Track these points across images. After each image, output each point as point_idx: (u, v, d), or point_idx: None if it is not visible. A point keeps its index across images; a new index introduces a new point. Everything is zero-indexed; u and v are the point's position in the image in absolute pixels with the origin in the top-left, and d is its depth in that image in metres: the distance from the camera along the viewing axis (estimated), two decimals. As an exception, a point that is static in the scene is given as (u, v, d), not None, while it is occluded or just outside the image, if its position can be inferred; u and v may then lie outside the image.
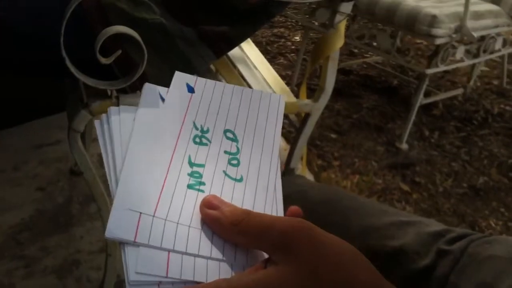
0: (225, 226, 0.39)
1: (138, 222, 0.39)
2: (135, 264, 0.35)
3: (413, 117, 2.28)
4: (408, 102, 2.49)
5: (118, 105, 0.95)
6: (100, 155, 1.59)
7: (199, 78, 0.52)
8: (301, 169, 1.52)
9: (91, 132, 1.68)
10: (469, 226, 1.91)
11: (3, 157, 1.71)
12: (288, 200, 0.45)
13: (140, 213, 0.39)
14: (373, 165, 2.18)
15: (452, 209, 2.00)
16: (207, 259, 0.38)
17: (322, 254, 0.35)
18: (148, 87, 0.50)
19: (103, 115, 0.44)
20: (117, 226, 0.38)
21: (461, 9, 2.05)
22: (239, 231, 0.38)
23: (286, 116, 1.30)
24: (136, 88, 0.95)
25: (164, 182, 0.41)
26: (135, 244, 0.37)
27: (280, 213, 0.45)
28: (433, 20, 2.02)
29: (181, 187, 0.42)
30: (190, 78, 0.51)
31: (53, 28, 0.81)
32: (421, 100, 2.29)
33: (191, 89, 0.50)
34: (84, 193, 1.62)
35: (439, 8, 2.11)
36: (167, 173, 0.42)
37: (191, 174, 0.43)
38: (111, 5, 0.91)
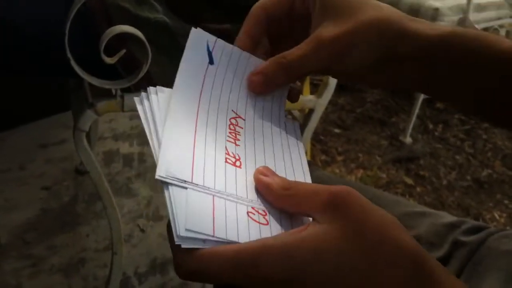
0: (275, 191, 0.40)
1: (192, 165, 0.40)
2: (184, 221, 0.36)
3: (416, 111, 2.28)
4: (411, 96, 2.49)
5: (123, 104, 0.96)
6: (105, 154, 1.60)
7: (218, 40, 0.53)
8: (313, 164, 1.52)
9: (96, 131, 1.68)
10: (474, 218, 1.91)
11: (8, 156, 1.72)
12: None
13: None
14: (377, 159, 2.18)
15: (456, 202, 2.00)
16: (248, 224, 0.39)
17: (368, 216, 0.35)
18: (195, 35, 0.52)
19: (142, 93, 0.46)
20: (171, 165, 0.39)
21: (463, 1, 2.05)
22: (289, 195, 0.39)
23: (289, 112, 1.30)
24: (140, 87, 0.95)
25: (194, 148, 0.42)
26: (188, 187, 0.38)
27: None
28: (436, 13, 2.02)
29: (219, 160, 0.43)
30: (210, 38, 0.53)
31: (58, 28, 0.81)
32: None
33: (210, 58, 0.52)
34: (90, 192, 1.63)
35: (442, 0, 2.10)
36: (196, 142, 0.43)
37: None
38: (114, 5, 0.91)
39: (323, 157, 2.14)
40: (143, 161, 1.80)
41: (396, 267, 0.34)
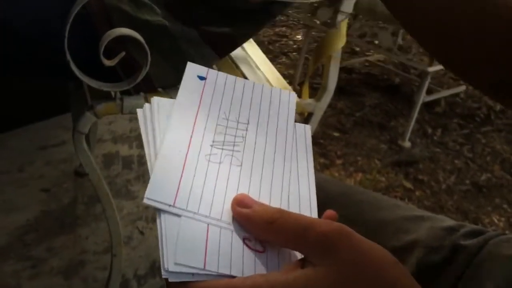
0: (258, 225, 0.38)
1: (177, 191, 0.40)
2: (174, 254, 0.36)
3: (415, 115, 2.28)
4: (410, 100, 2.49)
5: (122, 106, 0.97)
6: (104, 156, 1.60)
7: (210, 69, 0.52)
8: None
9: (95, 133, 1.68)
10: (472, 222, 1.91)
11: (8, 158, 1.72)
12: None
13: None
14: (376, 163, 2.19)
15: (455, 206, 2.00)
16: (242, 254, 0.38)
17: (362, 259, 0.35)
18: (189, 68, 0.51)
19: (146, 105, 0.46)
20: (157, 193, 0.39)
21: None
22: (274, 230, 0.37)
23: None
24: (140, 89, 0.95)
25: (183, 172, 0.42)
26: (182, 214, 0.38)
27: (314, 214, 0.44)
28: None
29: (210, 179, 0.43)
30: (202, 69, 0.52)
31: (57, 30, 0.81)
32: (423, 97, 2.29)
33: (202, 79, 0.51)
34: (89, 194, 1.63)
35: None
36: (184, 166, 0.43)
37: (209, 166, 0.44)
38: (114, 7, 0.92)
39: (322, 160, 2.15)
40: (143, 163, 1.80)
41: None
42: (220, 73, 0.53)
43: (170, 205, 0.39)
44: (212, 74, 0.52)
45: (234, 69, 1.28)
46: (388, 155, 2.25)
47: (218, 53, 1.02)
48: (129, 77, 0.91)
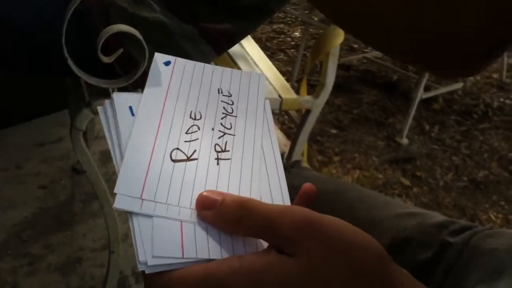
0: (225, 225, 0.39)
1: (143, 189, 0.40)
2: (150, 247, 0.36)
3: (413, 112, 2.28)
4: (408, 97, 2.49)
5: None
6: (102, 153, 1.60)
7: (177, 58, 0.52)
8: (302, 165, 1.52)
9: (93, 130, 1.68)
10: (470, 219, 1.91)
11: (5, 155, 1.72)
12: (296, 191, 0.45)
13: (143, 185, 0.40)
14: (374, 160, 2.19)
15: (452, 203, 2.01)
16: (219, 237, 0.38)
17: (332, 248, 0.35)
18: (156, 58, 0.52)
19: (106, 101, 0.47)
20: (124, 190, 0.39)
21: None
22: (241, 228, 0.38)
23: (286, 112, 1.30)
24: (138, 86, 0.95)
25: (149, 166, 0.41)
26: (146, 215, 0.38)
27: (286, 198, 0.44)
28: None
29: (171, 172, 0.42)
30: (169, 57, 0.52)
31: (55, 27, 0.81)
32: (421, 94, 2.29)
33: (168, 64, 0.52)
34: (86, 191, 1.63)
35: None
36: (151, 157, 0.42)
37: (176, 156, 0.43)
38: (112, 4, 0.91)
39: (320, 157, 2.15)
40: (140, 161, 1.80)
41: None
42: (188, 60, 0.52)
43: (138, 198, 0.38)
44: (179, 61, 0.52)
45: (232, 65, 1.28)
46: (386, 152, 2.25)
47: (216, 49, 1.01)
48: (127, 74, 0.91)
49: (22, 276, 1.36)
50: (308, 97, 1.20)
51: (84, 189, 1.64)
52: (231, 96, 0.51)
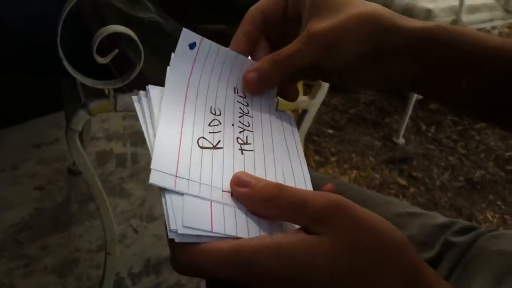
0: (258, 203, 0.39)
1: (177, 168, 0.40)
2: (181, 218, 0.36)
3: (409, 112, 2.28)
4: (404, 97, 2.49)
5: (115, 104, 0.96)
6: (98, 154, 1.60)
7: (204, 39, 0.53)
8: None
9: (89, 131, 1.68)
10: (466, 219, 1.91)
11: (2, 156, 1.72)
12: None
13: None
14: (371, 160, 2.19)
15: (449, 203, 2.01)
16: (246, 218, 0.39)
17: (358, 228, 0.36)
18: (183, 36, 0.52)
19: (141, 92, 0.46)
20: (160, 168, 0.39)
21: (456, 3, 2.05)
22: (273, 207, 0.38)
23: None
24: (133, 87, 0.95)
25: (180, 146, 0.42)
26: (178, 192, 0.38)
27: (309, 188, 0.45)
28: (428, 14, 2.03)
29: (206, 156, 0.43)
30: (195, 37, 0.53)
31: (50, 27, 0.81)
32: (417, 94, 2.29)
33: (193, 47, 0.52)
34: (83, 192, 1.63)
35: (434, 2, 2.11)
36: (181, 141, 0.43)
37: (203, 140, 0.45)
38: (107, 4, 0.91)
39: (317, 157, 2.15)
40: (136, 161, 1.80)
41: (390, 276, 0.35)
42: (213, 44, 0.53)
43: (172, 175, 0.39)
44: (205, 44, 0.53)
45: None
46: (382, 152, 2.25)
47: (212, 50, 1.01)
48: (122, 75, 0.90)
49: (19, 278, 1.36)
50: (304, 98, 1.20)
51: (80, 190, 1.64)
52: (245, 97, 0.52)
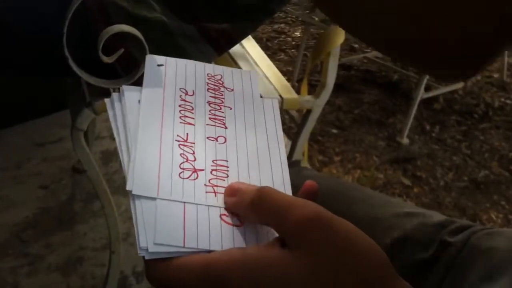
0: (242, 208, 0.40)
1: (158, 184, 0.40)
2: (153, 234, 0.36)
3: (413, 112, 2.28)
4: (408, 97, 2.49)
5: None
6: (103, 153, 1.60)
7: (168, 57, 0.54)
8: (303, 165, 1.52)
9: (94, 130, 1.68)
10: (470, 219, 1.91)
11: (6, 155, 1.72)
12: (295, 190, 0.45)
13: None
14: (375, 160, 2.19)
15: (453, 203, 2.01)
16: (220, 229, 0.39)
17: (337, 247, 0.35)
18: (148, 60, 0.52)
19: (114, 94, 0.47)
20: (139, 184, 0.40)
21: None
22: (255, 211, 0.38)
23: (287, 112, 1.30)
24: (138, 86, 0.95)
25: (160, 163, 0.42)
26: (153, 207, 0.38)
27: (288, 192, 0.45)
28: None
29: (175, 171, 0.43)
30: (160, 59, 0.53)
31: (55, 27, 0.81)
32: (421, 94, 2.29)
33: (161, 66, 0.52)
34: (87, 191, 1.63)
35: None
36: (160, 155, 0.43)
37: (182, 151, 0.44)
38: (112, 4, 0.91)
39: (321, 157, 2.15)
40: (141, 161, 1.80)
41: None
42: (179, 59, 0.54)
43: (155, 198, 0.39)
44: (170, 60, 0.53)
45: (232, 65, 1.28)
46: (386, 152, 2.25)
47: (217, 49, 1.01)
48: (127, 74, 0.91)
49: (23, 276, 1.36)
50: (308, 97, 1.20)
51: (85, 189, 1.64)
52: (225, 89, 0.52)
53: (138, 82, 0.91)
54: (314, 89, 1.22)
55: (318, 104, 1.20)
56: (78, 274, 1.39)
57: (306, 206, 0.36)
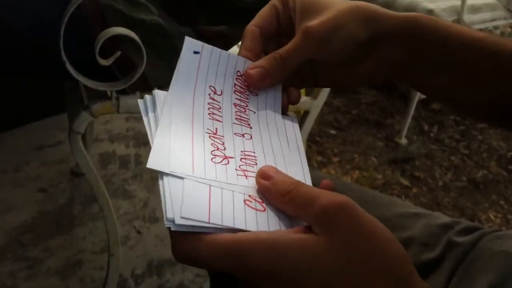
0: (274, 196, 0.40)
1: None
2: (179, 208, 0.37)
3: (412, 112, 2.28)
4: (406, 97, 2.49)
5: (118, 106, 0.97)
6: (101, 155, 1.60)
7: (205, 44, 0.54)
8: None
9: (92, 133, 1.68)
10: (469, 219, 1.91)
11: (4, 158, 1.72)
12: None
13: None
14: (373, 161, 2.19)
15: (452, 203, 2.01)
16: (244, 211, 0.40)
17: (358, 235, 0.36)
18: (187, 44, 0.53)
19: (146, 96, 0.47)
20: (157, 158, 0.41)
21: (458, 2, 2.05)
22: (286, 201, 0.39)
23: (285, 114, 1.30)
24: (136, 88, 0.95)
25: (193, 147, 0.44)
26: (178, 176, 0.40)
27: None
28: (430, 15, 2.02)
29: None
30: (197, 44, 0.54)
31: (53, 30, 0.81)
32: (419, 94, 2.29)
33: (197, 53, 0.53)
34: (86, 194, 1.63)
35: (436, 2, 2.11)
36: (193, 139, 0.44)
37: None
38: (109, 7, 0.91)
39: (319, 158, 2.15)
40: (139, 163, 1.81)
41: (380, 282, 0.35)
42: (215, 48, 0.55)
43: (182, 178, 0.40)
44: (206, 49, 0.54)
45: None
46: (385, 152, 2.25)
47: (214, 51, 1.01)
48: (125, 77, 0.91)
49: (22, 280, 1.36)
50: (306, 98, 1.20)
51: (83, 192, 1.64)
52: (248, 100, 0.53)
53: (137, 85, 0.91)
54: (312, 90, 1.22)
55: (316, 105, 1.20)
56: (77, 277, 1.39)
57: (334, 195, 0.37)
